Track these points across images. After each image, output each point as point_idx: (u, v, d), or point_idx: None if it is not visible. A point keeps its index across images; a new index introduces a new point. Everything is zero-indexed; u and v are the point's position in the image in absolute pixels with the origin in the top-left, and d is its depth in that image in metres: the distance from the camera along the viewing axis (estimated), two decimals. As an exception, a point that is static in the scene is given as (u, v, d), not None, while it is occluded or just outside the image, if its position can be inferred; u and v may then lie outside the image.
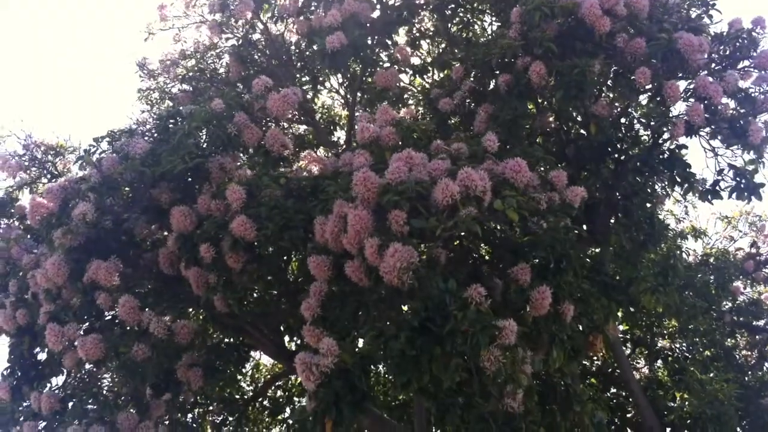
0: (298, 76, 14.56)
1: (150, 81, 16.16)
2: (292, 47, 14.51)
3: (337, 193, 8.08)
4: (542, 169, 9.09)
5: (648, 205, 10.84)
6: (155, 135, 10.48)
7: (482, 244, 9.50)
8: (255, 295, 10.76)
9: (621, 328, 16.16)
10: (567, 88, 9.39)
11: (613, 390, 16.24)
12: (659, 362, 17.01)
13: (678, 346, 16.82)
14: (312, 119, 14.99)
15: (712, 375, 13.76)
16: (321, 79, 14.59)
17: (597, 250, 12.44)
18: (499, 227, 8.66)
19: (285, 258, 10.22)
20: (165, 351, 9.07)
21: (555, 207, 8.19)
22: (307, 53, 13.76)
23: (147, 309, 9.17)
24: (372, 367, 9.04)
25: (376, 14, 12.53)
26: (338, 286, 8.19)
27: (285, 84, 10.73)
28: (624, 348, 16.51)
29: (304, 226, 8.51)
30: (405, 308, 7.89)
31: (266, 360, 16.99)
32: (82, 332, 9.35)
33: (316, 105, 16.01)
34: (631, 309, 11.54)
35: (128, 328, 9.19)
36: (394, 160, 7.72)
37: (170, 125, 10.30)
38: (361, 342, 8.12)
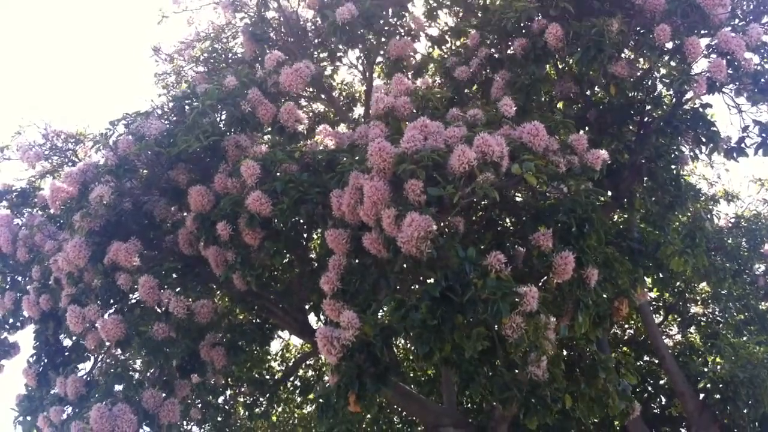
0: (315, 52, 14.39)
1: (166, 65, 16.09)
2: (308, 23, 14.33)
3: (352, 165, 7.98)
4: (562, 133, 8.91)
5: (673, 166, 10.63)
6: (171, 117, 10.43)
7: (503, 212, 9.36)
8: (275, 272, 10.71)
9: (651, 294, 15.96)
10: (585, 49, 9.16)
11: (645, 358, 16.11)
12: (692, 328, 16.82)
13: (710, 311, 16.59)
14: (329, 96, 14.85)
15: (745, 339, 13.53)
16: (338, 55, 14.43)
17: (624, 216, 12.28)
18: (519, 193, 8.52)
19: (305, 235, 10.16)
20: (187, 331, 9.06)
21: (576, 171, 8.02)
22: (323, 27, 13.58)
23: (167, 289, 9.15)
24: (400, 341, 8.97)
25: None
26: (357, 258, 8.11)
27: (301, 61, 10.58)
28: (656, 315, 16.34)
29: (321, 200, 8.41)
30: (427, 279, 7.79)
31: (296, 340, 17.00)
32: (107, 315, 9.36)
33: (334, 81, 15.87)
34: (660, 274, 11.33)
35: (149, 308, 9.19)
36: (409, 128, 7.60)
37: (186, 106, 10.24)
38: (381, 314, 8.02)
